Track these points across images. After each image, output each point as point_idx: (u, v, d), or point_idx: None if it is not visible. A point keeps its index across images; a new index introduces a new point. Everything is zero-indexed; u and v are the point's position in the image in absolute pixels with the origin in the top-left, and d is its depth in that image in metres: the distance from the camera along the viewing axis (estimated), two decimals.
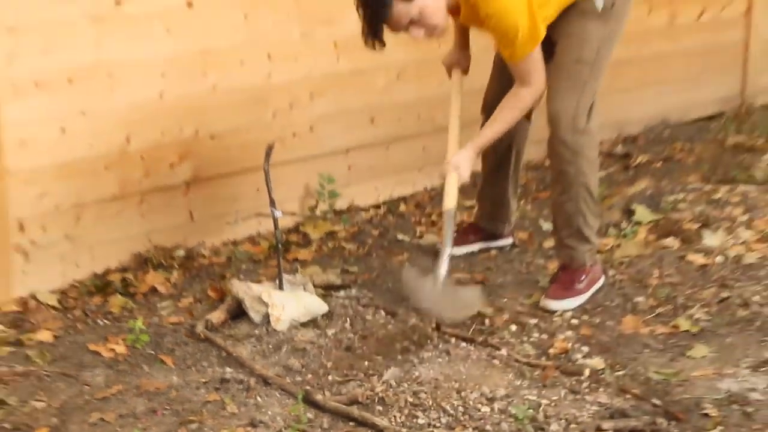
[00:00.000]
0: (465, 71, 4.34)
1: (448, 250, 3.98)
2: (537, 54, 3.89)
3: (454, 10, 3.94)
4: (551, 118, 4.03)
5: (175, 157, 4.43)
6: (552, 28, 3.97)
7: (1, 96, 3.86)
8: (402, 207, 5.20)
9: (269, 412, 3.26)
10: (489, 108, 4.21)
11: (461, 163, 4.00)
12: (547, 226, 4.79)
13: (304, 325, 3.83)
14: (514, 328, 3.90)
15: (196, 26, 4.37)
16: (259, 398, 3.35)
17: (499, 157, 4.46)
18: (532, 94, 3.98)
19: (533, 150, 5.01)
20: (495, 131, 4.05)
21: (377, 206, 5.17)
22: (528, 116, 4.35)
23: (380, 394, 3.34)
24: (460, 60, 4.34)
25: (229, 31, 4.49)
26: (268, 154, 3.93)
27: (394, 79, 5.15)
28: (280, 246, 4.00)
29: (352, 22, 4.84)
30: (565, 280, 4.12)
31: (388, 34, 3.84)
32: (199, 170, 4.51)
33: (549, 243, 4.57)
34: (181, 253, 4.43)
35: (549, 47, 4.04)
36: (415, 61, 5.16)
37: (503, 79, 4.13)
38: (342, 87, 4.94)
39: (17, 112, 3.92)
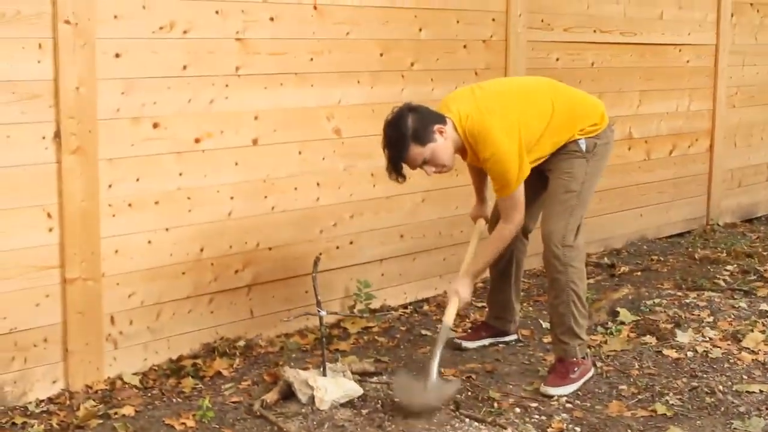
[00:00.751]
0: (486, 220, 4.38)
1: (439, 352, 3.89)
2: (519, 193, 3.96)
3: (461, 152, 4.00)
4: (545, 237, 4.04)
5: (240, 264, 4.44)
6: (545, 164, 4.05)
7: (101, 214, 3.91)
8: (426, 307, 5.16)
9: None
10: (495, 219, 4.22)
11: (460, 289, 4.02)
12: (545, 324, 4.74)
13: (343, 405, 3.77)
14: (518, 410, 3.83)
15: (260, 160, 4.42)
16: None
17: (502, 269, 4.46)
18: (512, 230, 4.03)
19: (534, 261, 5.01)
20: (486, 261, 4.12)
21: (405, 306, 5.14)
22: (525, 235, 4.40)
23: None
24: (481, 213, 4.41)
25: (286, 164, 4.53)
26: (315, 264, 3.93)
27: (420, 202, 5.16)
28: (324, 339, 3.97)
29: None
30: (561, 370, 4.06)
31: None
32: (258, 276, 4.51)
33: (547, 339, 4.52)
34: (242, 343, 4.40)
35: (544, 178, 4.10)
36: (437, 188, 5.19)
37: None
38: (377, 209, 4.96)
39: (113, 227, 3.96)
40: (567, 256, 4.00)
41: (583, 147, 4.03)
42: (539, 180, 4.09)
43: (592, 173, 4.07)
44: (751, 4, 7.27)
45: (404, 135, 3.82)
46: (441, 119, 3.90)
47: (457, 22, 5.17)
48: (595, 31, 6.03)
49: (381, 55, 4.85)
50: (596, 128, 4.08)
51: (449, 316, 4.01)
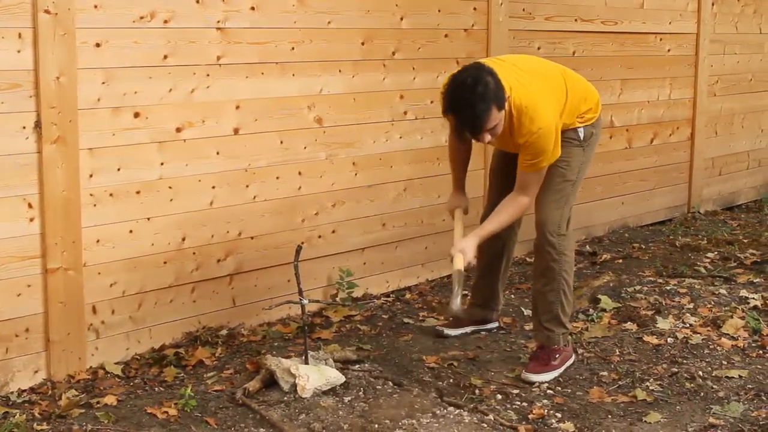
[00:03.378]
0: (465, 211, 4.26)
1: (458, 290, 3.85)
2: (545, 171, 3.90)
3: None
4: (540, 224, 4.03)
5: (222, 254, 4.44)
6: None
7: (82, 204, 3.90)
8: (408, 295, 5.18)
9: None
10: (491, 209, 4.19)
11: (466, 247, 3.90)
12: (527, 312, 4.76)
13: (325, 393, 3.79)
14: (499, 396, 3.86)
15: (241, 149, 4.42)
16: None
17: (492, 258, 4.45)
18: (527, 202, 3.96)
19: (516, 249, 5.01)
20: (495, 226, 3.99)
21: (387, 295, 5.15)
22: (518, 224, 4.37)
23: None
24: (460, 202, 4.27)
25: (267, 153, 4.53)
26: (297, 253, 3.94)
27: (402, 191, 5.17)
28: (306, 327, 3.98)
29: (368, 145, 4.96)
30: (543, 357, 4.09)
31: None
32: (240, 265, 4.51)
33: (529, 326, 4.55)
34: (224, 332, 4.41)
35: None
36: (419, 177, 5.21)
37: (500, 192, 4.14)
38: (359, 198, 4.97)
39: (95, 217, 3.96)
40: (561, 245, 4.02)
41: (581, 135, 4.03)
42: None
43: (586, 162, 4.10)
44: None
45: (489, 95, 3.62)
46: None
47: (439, 11, 5.17)
48: (576, 20, 6.05)
49: (362, 44, 4.85)
50: (593, 116, 4.08)
51: (458, 263, 3.86)
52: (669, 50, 6.81)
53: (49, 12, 3.70)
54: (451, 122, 3.79)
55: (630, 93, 6.55)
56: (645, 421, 3.64)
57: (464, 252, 3.89)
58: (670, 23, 6.78)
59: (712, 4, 7.09)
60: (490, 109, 3.63)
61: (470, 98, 3.63)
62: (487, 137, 3.74)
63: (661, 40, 6.74)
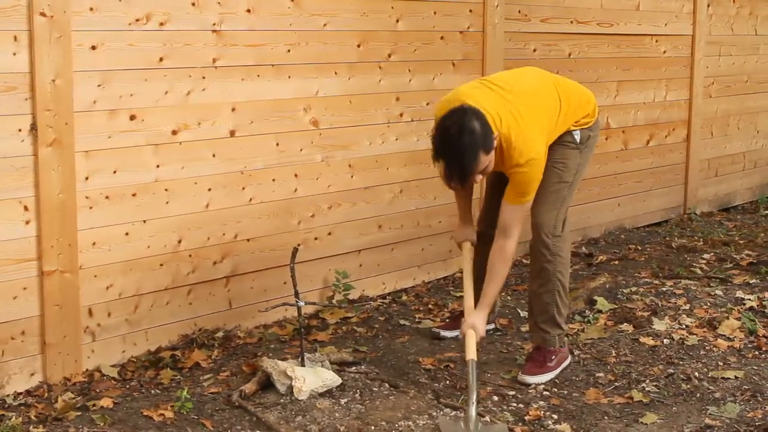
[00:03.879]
0: (473, 243, 4.20)
1: (475, 395, 3.57)
2: (528, 209, 3.91)
3: None
4: (536, 226, 4.03)
5: (218, 256, 4.44)
6: None
7: (78, 206, 3.90)
8: (404, 297, 5.19)
9: None
10: (484, 220, 4.23)
11: (476, 323, 3.81)
12: (523, 313, 4.77)
13: (321, 395, 3.79)
14: (496, 398, 3.86)
15: (237, 151, 4.43)
16: None
17: (484, 262, 4.36)
18: (512, 245, 3.88)
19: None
20: (496, 286, 3.93)
21: (383, 297, 5.16)
22: None
23: None
24: (468, 235, 4.21)
25: (263, 155, 4.53)
26: (293, 255, 3.95)
27: (398, 193, 5.18)
28: (302, 329, 3.99)
29: (364, 147, 4.97)
30: (539, 358, 4.09)
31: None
32: (237, 267, 4.52)
33: (525, 328, 4.55)
34: (221, 334, 4.41)
35: None
36: (415, 179, 5.22)
37: (496, 194, 4.11)
38: (355, 199, 4.97)
39: (90, 219, 3.96)
40: (556, 246, 4.02)
41: (578, 138, 4.03)
42: None
43: (583, 164, 4.10)
44: None
45: (475, 143, 3.58)
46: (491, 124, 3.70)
47: (435, 13, 5.19)
48: (572, 22, 6.07)
49: (358, 46, 4.86)
50: (589, 120, 4.09)
51: (472, 351, 3.70)
52: (665, 52, 6.83)
53: (45, 15, 3.70)
54: (439, 168, 3.77)
55: (626, 95, 6.56)
56: (641, 422, 3.65)
57: (476, 328, 3.81)
58: (665, 25, 6.79)
59: (708, 6, 7.11)
60: (477, 157, 3.60)
61: (456, 149, 3.58)
62: (478, 178, 3.74)
63: (656, 41, 6.75)
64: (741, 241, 6.38)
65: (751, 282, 5.36)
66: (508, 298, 5.15)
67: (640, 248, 6.25)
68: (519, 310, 4.91)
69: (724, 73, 7.41)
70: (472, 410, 3.51)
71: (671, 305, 4.94)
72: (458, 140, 3.58)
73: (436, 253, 5.43)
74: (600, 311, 4.86)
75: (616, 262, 5.89)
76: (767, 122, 7.96)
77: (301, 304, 3.95)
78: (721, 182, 7.60)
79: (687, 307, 4.91)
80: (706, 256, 6.00)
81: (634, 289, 5.22)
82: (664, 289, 5.22)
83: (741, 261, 5.84)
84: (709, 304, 4.96)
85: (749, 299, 5.00)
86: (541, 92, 3.97)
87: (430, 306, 5.03)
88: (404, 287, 5.29)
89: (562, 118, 3.97)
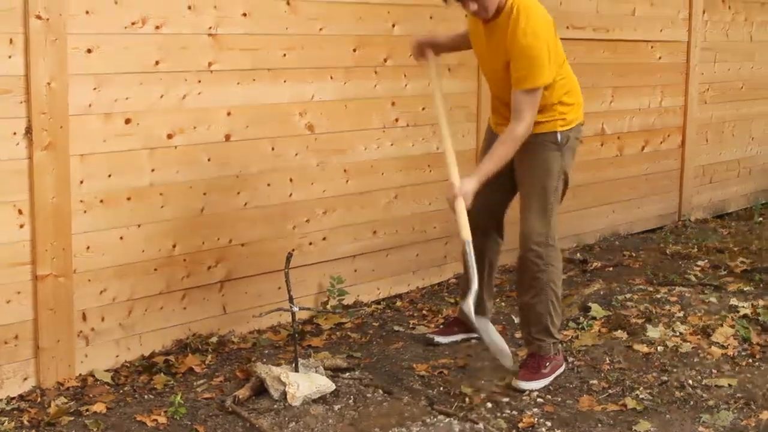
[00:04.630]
0: (435, 51, 4.25)
1: (476, 279, 3.81)
2: (539, 94, 3.85)
3: (483, 18, 3.91)
4: (525, 236, 4.01)
5: (212, 261, 4.45)
6: (517, 156, 3.97)
7: (73, 210, 3.91)
8: (398, 303, 5.19)
9: None
10: (475, 220, 4.07)
11: (468, 193, 3.82)
12: (518, 319, 4.77)
13: (315, 401, 3.80)
14: (489, 405, 3.87)
15: (232, 156, 4.43)
16: None
17: (483, 257, 4.31)
18: (523, 128, 3.84)
19: (508, 256, 5.03)
20: (494, 163, 3.89)
21: (378, 302, 5.17)
22: (500, 234, 4.36)
23: None
24: (435, 46, 4.26)
25: (258, 160, 4.54)
26: (288, 260, 3.95)
27: (393, 198, 5.19)
28: (296, 335, 3.99)
29: (359, 152, 4.98)
30: (533, 365, 4.10)
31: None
32: (231, 272, 4.52)
33: (519, 333, 4.56)
34: (215, 339, 4.41)
35: (507, 176, 4.06)
36: (410, 184, 5.23)
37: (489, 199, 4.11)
38: (350, 205, 4.98)
39: (85, 223, 3.96)
40: (549, 255, 4.01)
41: (558, 138, 4.00)
42: (501, 178, 4.00)
43: (566, 167, 4.07)
44: (723, 1, 7.36)
45: None
46: None
47: (431, 17, 5.20)
48: (567, 28, 6.08)
49: (354, 50, 4.87)
50: (572, 118, 4.06)
51: (465, 230, 3.82)
52: (660, 58, 6.86)
53: (41, 17, 3.71)
54: None
55: (621, 100, 6.59)
56: (635, 430, 3.66)
57: (466, 196, 3.81)
58: (661, 31, 6.82)
59: (704, 12, 7.14)
60: None
61: None
62: (473, 5, 3.78)
63: (652, 47, 6.78)
64: (735, 248, 6.41)
65: (745, 289, 5.38)
66: (502, 304, 5.17)
67: (634, 255, 6.27)
68: (513, 317, 4.92)
69: (720, 79, 7.44)
70: (470, 300, 3.67)
71: (665, 312, 4.96)
72: None
73: (431, 259, 5.44)
74: (594, 318, 4.87)
75: (611, 269, 5.90)
76: (762, 129, 7.99)
77: (296, 309, 3.95)
78: (715, 189, 7.63)
79: (681, 314, 4.93)
80: (700, 263, 6.02)
81: (628, 295, 5.24)
82: (658, 296, 5.24)
83: (735, 268, 5.87)
84: (703, 311, 4.98)
85: (743, 307, 5.01)
86: (560, 46, 3.99)
87: (424, 312, 5.04)
88: (399, 293, 5.30)
89: (561, 82, 3.96)
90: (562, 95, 4.01)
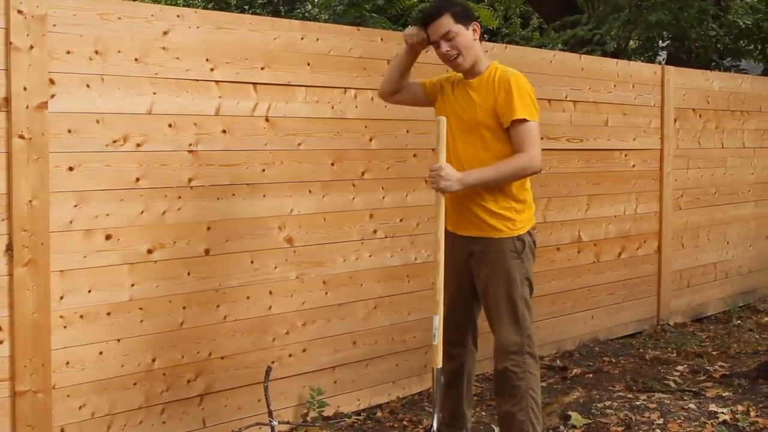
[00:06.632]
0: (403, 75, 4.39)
1: (438, 410, 3.97)
2: (537, 130, 4.03)
3: (470, 71, 4.13)
4: (501, 348, 4.05)
5: (192, 374, 4.46)
6: (479, 265, 4.06)
7: (52, 326, 3.94)
8: (379, 413, 5.19)
9: None
10: (449, 337, 4.20)
11: (451, 175, 3.94)
12: (498, 429, 4.78)
13: None
14: None
15: (212, 269, 4.49)
16: None
17: (452, 379, 4.37)
18: (526, 159, 3.97)
19: (487, 364, 5.05)
20: (490, 175, 3.99)
21: (358, 413, 5.16)
22: (475, 344, 4.40)
23: None
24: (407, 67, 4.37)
25: (238, 273, 4.60)
26: (267, 374, 3.99)
27: (372, 309, 5.24)
28: None
29: (338, 264, 5.04)
30: None
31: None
32: (211, 385, 4.53)
33: None
34: None
35: (468, 284, 4.16)
36: (389, 294, 5.29)
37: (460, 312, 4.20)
38: (329, 316, 5.02)
39: (64, 338, 4.00)
40: (526, 363, 4.05)
41: (516, 246, 4.07)
42: (467, 291, 4.11)
43: (528, 274, 4.12)
44: (693, 110, 7.58)
45: (448, 4, 4.06)
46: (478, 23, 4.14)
47: (407, 131, 5.34)
48: (542, 138, 6.17)
49: (332, 164, 4.99)
50: (527, 222, 4.13)
51: (438, 358, 3.94)
52: (634, 165, 7.03)
53: (24, 137, 3.82)
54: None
55: (597, 208, 6.72)
56: None
57: (451, 188, 3.95)
58: (634, 139, 7.01)
59: (675, 121, 7.35)
60: (443, 13, 4.03)
61: (435, 2, 4.13)
62: (444, 46, 4.04)
63: (626, 155, 6.95)
64: (714, 352, 6.46)
65: (724, 395, 5.42)
66: (483, 413, 5.18)
67: (614, 360, 6.31)
68: (494, 426, 4.91)
69: (693, 185, 7.61)
70: (434, 424, 3.67)
71: (645, 420, 4.98)
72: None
73: (411, 369, 5.47)
74: (574, 426, 4.88)
75: (590, 375, 5.94)
76: (737, 233, 8.14)
77: (275, 423, 3.97)
78: (693, 293, 7.72)
79: (661, 421, 4.95)
80: (679, 367, 6.06)
81: (608, 403, 5.26)
82: (637, 402, 5.26)
83: (714, 373, 5.91)
84: (682, 418, 5.01)
85: (722, 413, 5.04)
86: None
87: (404, 422, 5.03)
88: (379, 403, 5.31)
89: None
90: (518, 185, 4.10)
